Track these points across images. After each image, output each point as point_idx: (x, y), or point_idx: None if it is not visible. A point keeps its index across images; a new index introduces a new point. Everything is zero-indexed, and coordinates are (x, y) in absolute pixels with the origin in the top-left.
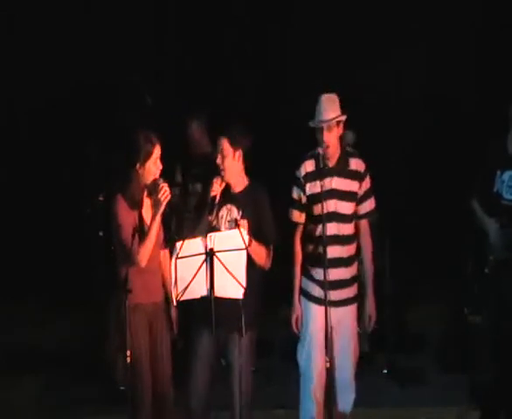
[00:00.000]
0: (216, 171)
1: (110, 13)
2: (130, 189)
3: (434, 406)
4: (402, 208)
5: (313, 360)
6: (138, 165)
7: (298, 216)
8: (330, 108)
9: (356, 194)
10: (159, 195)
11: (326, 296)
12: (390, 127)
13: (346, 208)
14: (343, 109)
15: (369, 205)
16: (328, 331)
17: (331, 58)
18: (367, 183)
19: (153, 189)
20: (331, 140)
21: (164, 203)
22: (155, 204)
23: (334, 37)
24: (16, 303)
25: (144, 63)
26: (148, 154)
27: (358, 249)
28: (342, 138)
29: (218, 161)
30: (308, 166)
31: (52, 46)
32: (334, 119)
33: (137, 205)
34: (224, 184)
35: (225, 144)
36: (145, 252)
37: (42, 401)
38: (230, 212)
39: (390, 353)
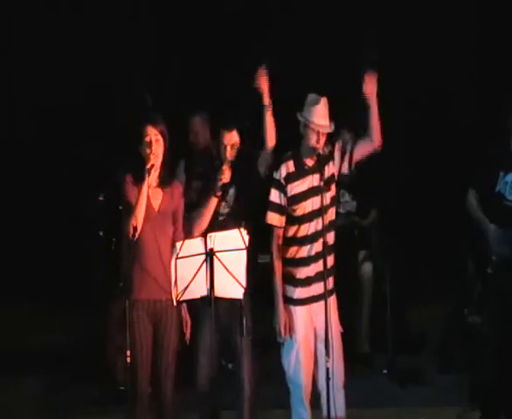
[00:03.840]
0: (217, 169)
1: (110, 13)
2: (136, 171)
3: (434, 406)
4: (402, 208)
5: (302, 365)
6: (144, 144)
7: (278, 220)
8: (327, 114)
9: (333, 176)
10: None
11: (326, 296)
12: (389, 128)
13: (327, 197)
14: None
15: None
16: (329, 329)
17: (331, 57)
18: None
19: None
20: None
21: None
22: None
23: (333, 37)
24: (16, 303)
25: (144, 63)
26: (140, 137)
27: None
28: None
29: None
30: (289, 167)
31: (52, 46)
32: (331, 127)
33: (140, 183)
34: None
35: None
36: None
37: (42, 401)
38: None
39: (390, 353)
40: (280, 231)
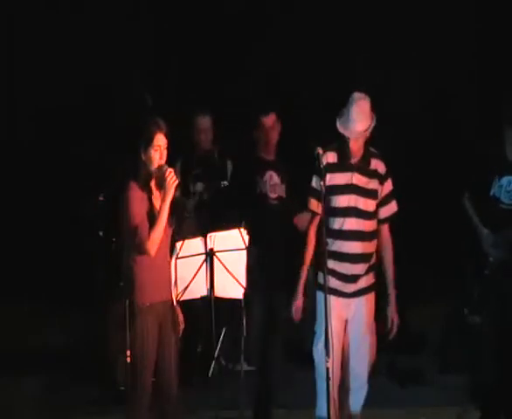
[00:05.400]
0: (217, 172)
1: (110, 13)
2: (141, 176)
3: (434, 406)
4: (402, 208)
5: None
6: (142, 151)
7: (315, 206)
8: (363, 117)
9: (376, 192)
10: (167, 181)
11: (326, 293)
12: (389, 128)
13: (366, 204)
14: (372, 112)
15: (390, 209)
16: (328, 329)
17: (331, 57)
18: (388, 186)
19: (160, 178)
20: (358, 146)
21: (173, 188)
22: (164, 190)
23: (334, 37)
24: (16, 303)
25: (144, 63)
26: (149, 141)
27: (377, 246)
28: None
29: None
30: (330, 157)
31: (52, 46)
32: (364, 131)
33: (148, 192)
34: None
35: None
36: (154, 239)
37: (42, 401)
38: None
39: (390, 353)
40: (317, 218)
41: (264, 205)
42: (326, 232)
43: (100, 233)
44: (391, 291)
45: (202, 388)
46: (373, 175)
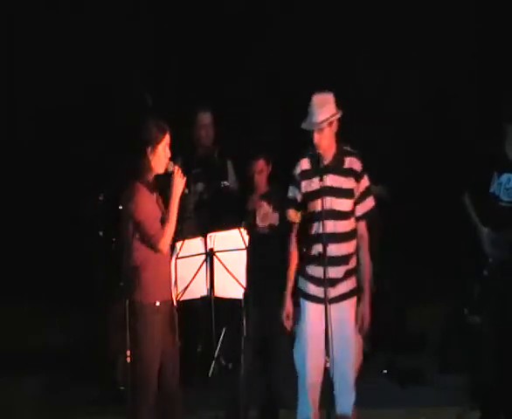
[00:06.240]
0: (217, 172)
1: (110, 13)
2: (146, 176)
3: (434, 406)
4: (402, 208)
5: (309, 360)
6: (149, 151)
7: (294, 216)
8: (321, 110)
9: (352, 191)
10: (175, 178)
11: (326, 294)
12: (389, 128)
13: (342, 205)
14: (339, 106)
15: (366, 206)
16: (329, 329)
17: (331, 57)
18: (364, 183)
19: (164, 180)
20: (323, 141)
21: (181, 185)
22: (172, 187)
23: (334, 37)
24: (16, 303)
25: (144, 63)
26: (159, 140)
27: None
28: (337, 135)
29: None
30: (304, 164)
31: (52, 46)
32: (324, 121)
33: (154, 192)
34: None
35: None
36: (167, 237)
37: (42, 401)
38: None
39: (390, 353)
40: (296, 227)
41: (252, 235)
42: (304, 238)
43: (100, 233)
44: (366, 289)
45: (202, 388)
46: (348, 173)
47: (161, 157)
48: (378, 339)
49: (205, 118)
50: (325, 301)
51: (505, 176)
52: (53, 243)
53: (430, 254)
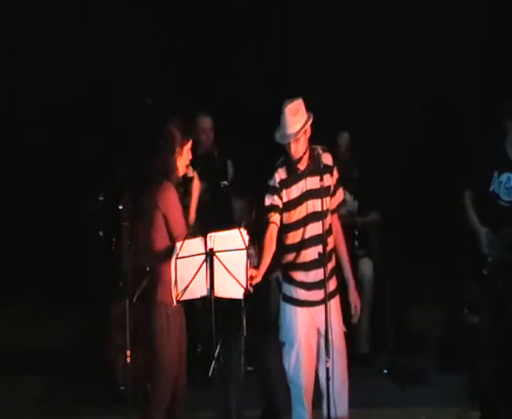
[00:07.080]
0: (217, 172)
1: (110, 12)
2: (174, 176)
3: (434, 406)
4: (402, 208)
5: (302, 365)
6: (178, 151)
7: (275, 218)
8: (294, 119)
9: (329, 187)
10: (194, 181)
11: (326, 295)
12: (389, 128)
13: (323, 204)
14: (308, 111)
15: (338, 198)
16: (329, 329)
17: (331, 57)
18: (336, 175)
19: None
20: (299, 149)
21: (198, 190)
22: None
23: (334, 37)
24: (16, 303)
25: (144, 63)
26: (185, 143)
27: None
28: (309, 138)
29: None
30: (282, 174)
31: (52, 46)
32: (299, 132)
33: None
34: None
35: None
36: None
37: (42, 401)
38: None
39: (390, 353)
40: (276, 228)
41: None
42: (289, 247)
43: (100, 233)
44: (350, 279)
45: (202, 387)
46: (324, 170)
47: (184, 160)
48: (378, 339)
49: (206, 122)
50: (325, 301)
51: (505, 175)
52: (53, 243)
53: (430, 254)
